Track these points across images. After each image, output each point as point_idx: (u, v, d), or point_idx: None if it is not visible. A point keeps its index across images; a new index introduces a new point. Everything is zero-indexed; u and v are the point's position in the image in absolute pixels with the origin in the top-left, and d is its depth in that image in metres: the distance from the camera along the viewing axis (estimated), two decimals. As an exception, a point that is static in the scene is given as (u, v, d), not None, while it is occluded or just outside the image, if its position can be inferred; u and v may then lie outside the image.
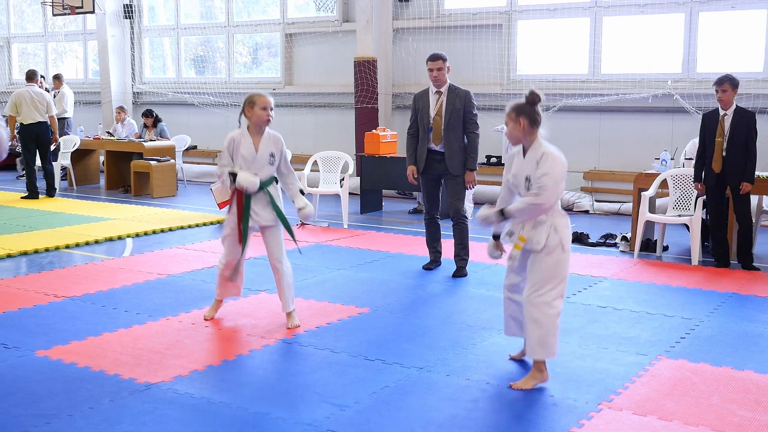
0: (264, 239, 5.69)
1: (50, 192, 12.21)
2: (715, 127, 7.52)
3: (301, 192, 5.72)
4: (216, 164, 15.22)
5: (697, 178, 7.72)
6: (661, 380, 4.56)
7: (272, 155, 5.50)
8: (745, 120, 7.45)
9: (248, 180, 5.39)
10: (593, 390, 4.41)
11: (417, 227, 9.65)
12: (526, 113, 4.50)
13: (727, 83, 7.46)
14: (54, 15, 16.86)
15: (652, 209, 8.31)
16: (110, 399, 4.24)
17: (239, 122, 5.61)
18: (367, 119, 12.88)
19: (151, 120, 13.75)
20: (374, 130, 11.29)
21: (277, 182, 5.74)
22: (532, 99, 4.52)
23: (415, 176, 7.35)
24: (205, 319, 5.76)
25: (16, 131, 11.91)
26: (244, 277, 5.97)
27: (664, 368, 4.76)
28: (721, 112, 7.54)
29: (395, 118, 13.37)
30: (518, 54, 12.48)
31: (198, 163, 15.37)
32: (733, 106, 7.51)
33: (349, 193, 10.18)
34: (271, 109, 5.46)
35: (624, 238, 8.54)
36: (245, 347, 5.15)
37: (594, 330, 5.55)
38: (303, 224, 9.82)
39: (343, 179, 10.26)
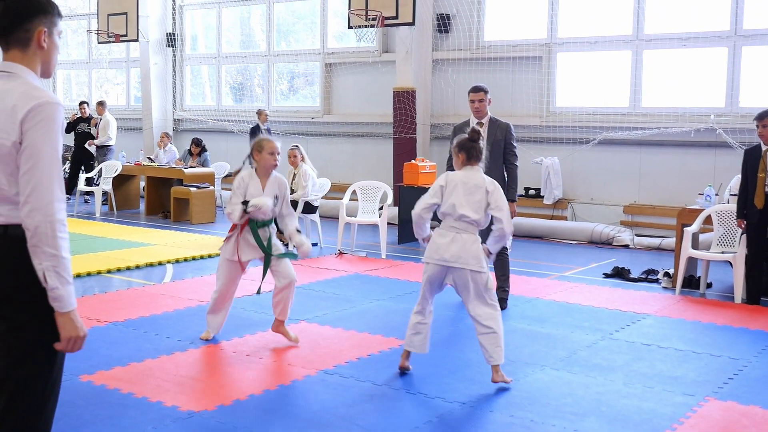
0: (272, 268, 5.85)
1: None
2: (758, 163, 7.42)
3: (297, 231, 5.88)
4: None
5: (739, 214, 7.61)
6: (710, 422, 4.46)
7: (276, 197, 5.74)
8: None
9: (261, 201, 5.60)
10: (640, 431, 4.32)
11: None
12: (465, 149, 5.00)
13: None
14: (99, 43, 17.17)
15: (695, 245, 8.20)
16: (153, 426, 4.23)
17: (243, 164, 5.90)
18: (405, 149, 12.91)
19: (198, 149, 13.91)
20: (413, 161, 11.30)
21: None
22: (472, 136, 5.02)
23: None
24: (201, 338, 5.96)
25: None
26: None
27: (712, 410, 4.66)
28: (764, 147, 7.45)
29: (433, 148, 13.38)
30: (558, 86, 12.46)
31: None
32: None
33: (387, 223, 10.16)
34: (278, 154, 5.73)
35: (666, 274, 8.42)
36: (286, 377, 5.13)
37: (639, 368, 5.45)
38: (341, 254, 9.83)
39: (381, 209, 10.26)
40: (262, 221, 5.73)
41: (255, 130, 13.77)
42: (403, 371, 5.24)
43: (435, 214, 5.12)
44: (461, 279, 4.93)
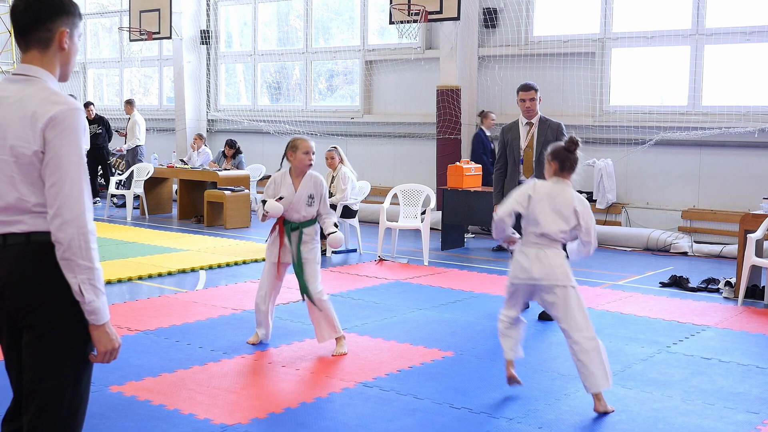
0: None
1: None
2: None
3: (335, 225, 6.02)
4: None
5: None
6: (775, 442, 4.39)
7: (311, 197, 5.87)
8: None
9: (273, 206, 5.77)
10: (700, 450, 4.26)
11: (502, 266, 9.56)
12: (560, 159, 4.86)
13: None
14: (131, 41, 17.40)
15: (760, 253, 8.06)
16: (185, 440, 4.27)
17: (281, 165, 6.04)
18: (449, 151, 12.89)
19: (232, 151, 14.02)
20: (458, 163, 11.28)
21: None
22: (569, 145, 4.86)
23: None
24: (249, 342, 6.14)
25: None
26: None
27: (778, 429, 4.58)
28: None
29: (479, 149, 13.33)
30: (612, 84, 12.35)
31: (272, 194, 15.52)
32: None
33: (430, 229, 10.16)
34: (313, 154, 5.89)
35: (728, 283, 8.30)
36: (323, 390, 5.14)
37: (698, 383, 5.38)
38: (381, 260, 9.83)
39: (424, 213, 10.25)
40: (296, 224, 5.87)
41: (480, 137, 12.28)
42: (512, 381, 5.08)
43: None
44: (550, 296, 4.81)
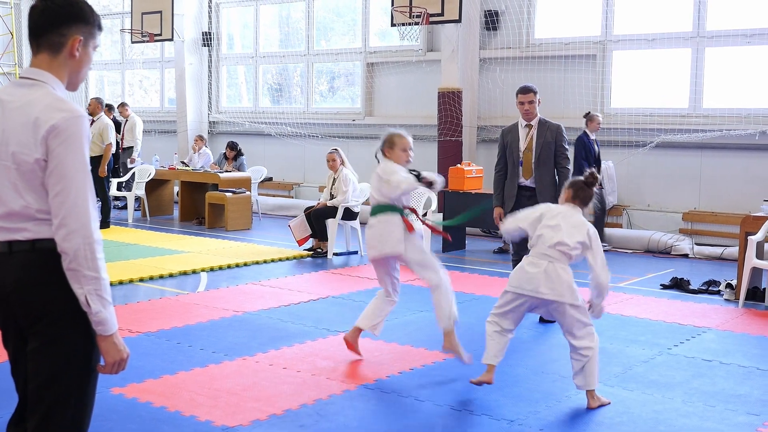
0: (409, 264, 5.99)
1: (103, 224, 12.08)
2: None
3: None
4: (291, 197, 15.41)
5: None
6: (776, 444, 4.39)
7: None
8: None
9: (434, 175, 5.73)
10: (701, 452, 4.26)
11: (503, 268, 9.56)
12: (575, 188, 5.03)
13: None
14: (133, 42, 17.41)
15: (760, 255, 8.06)
16: (186, 442, 4.27)
17: (377, 159, 5.93)
18: (450, 153, 12.88)
19: (233, 153, 14.03)
20: (459, 165, 11.28)
21: None
22: (587, 179, 5.02)
23: (502, 218, 7.29)
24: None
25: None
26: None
27: (779, 431, 4.59)
28: None
29: (480, 152, 13.34)
30: (613, 86, 12.36)
31: (274, 196, 15.57)
32: None
33: (431, 231, 10.13)
34: (411, 150, 5.88)
35: (729, 285, 8.30)
36: (325, 392, 5.14)
37: (699, 385, 5.38)
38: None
39: (425, 215, 10.24)
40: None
41: (582, 141, 11.04)
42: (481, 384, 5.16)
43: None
44: (556, 311, 4.89)
